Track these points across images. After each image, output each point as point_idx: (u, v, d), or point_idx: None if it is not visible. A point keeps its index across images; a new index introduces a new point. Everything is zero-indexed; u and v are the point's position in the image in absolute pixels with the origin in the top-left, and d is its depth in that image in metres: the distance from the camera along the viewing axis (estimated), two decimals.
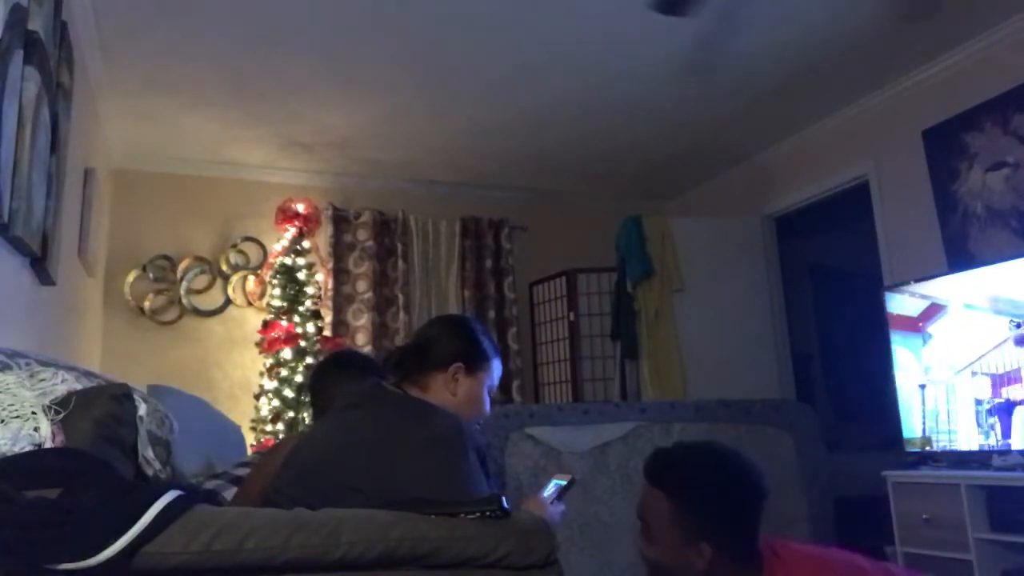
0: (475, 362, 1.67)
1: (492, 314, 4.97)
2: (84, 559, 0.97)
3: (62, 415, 1.30)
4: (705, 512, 1.43)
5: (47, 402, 1.30)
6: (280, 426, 3.89)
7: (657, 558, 1.46)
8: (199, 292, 4.49)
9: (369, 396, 1.60)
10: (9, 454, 1.18)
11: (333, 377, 2.17)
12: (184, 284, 4.43)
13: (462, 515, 1.23)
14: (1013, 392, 2.79)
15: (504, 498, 1.25)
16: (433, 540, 1.20)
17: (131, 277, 4.36)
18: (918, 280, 3.22)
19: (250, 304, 4.55)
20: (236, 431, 3.02)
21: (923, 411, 3.10)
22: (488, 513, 1.23)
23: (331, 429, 1.56)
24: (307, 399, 4.03)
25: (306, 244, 4.44)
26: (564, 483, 1.69)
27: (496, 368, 1.72)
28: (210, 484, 2.08)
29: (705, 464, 1.49)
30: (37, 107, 2.07)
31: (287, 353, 4.03)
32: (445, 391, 1.62)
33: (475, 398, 1.66)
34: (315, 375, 2.29)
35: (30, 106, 1.99)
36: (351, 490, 1.34)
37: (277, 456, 1.92)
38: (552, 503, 1.64)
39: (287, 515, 1.18)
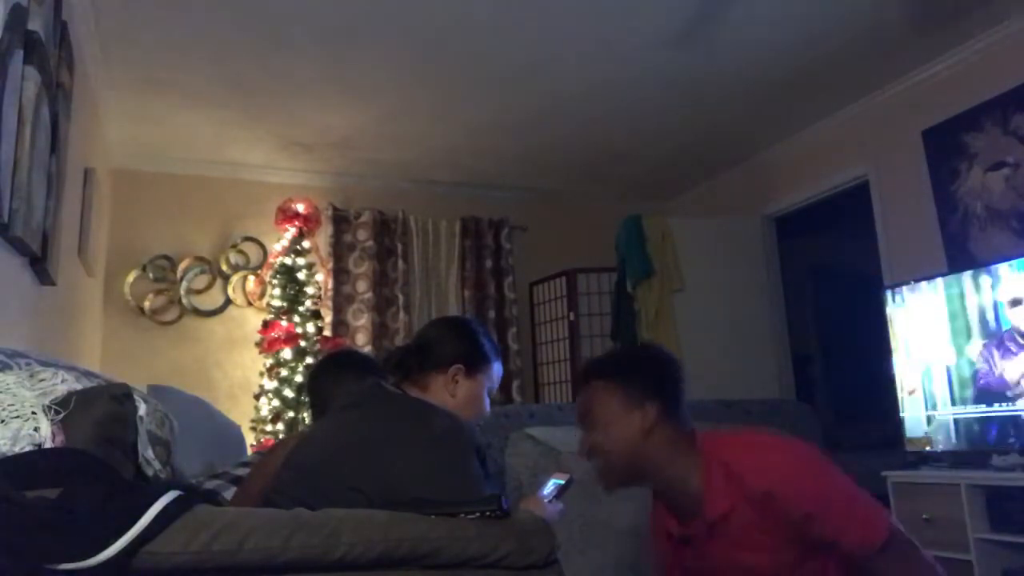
0: (475, 364, 1.67)
1: (492, 314, 4.97)
2: (84, 559, 0.97)
3: (62, 415, 1.29)
4: (648, 375, 1.58)
5: (47, 402, 1.30)
6: (280, 426, 3.90)
7: (603, 442, 1.54)
8: (199, 292, 4.49)
9: (369, 396, 1.60)
10: (9, 454, 1.18)
11: (332, 377, 2.17)
12: (184, 284, 4.43)
13: (462, 515, 1.23)
14: None
15: (504, 498, 1.25)
16: (433, 540, 1.20)
17: (131, 277, 4.36)
18: (918, 280, 3.23)
19: (250, 304, 4.55)
20: (236, 431, 3.02)
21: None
22: (488, 513, 1.23)
23: (331, 429, 1.56)
24: (307, 399, 4.03)
25: (306, 244, 4.45)
26: (563, 482, 1.69)
27: (496, 370, 1.73)
28: (210, 484, 2.09)
29: (636, 348, 1.70)
30: (37, 107, 2.07)
31: (287, 353, 4.03)
32: (445, 392, 1.63)
33: (475, 400, 1.66)
34: (314, 375, 2.29)
35: (30, 106, 1.99)
36: (351, 490, 1.34)
37: (277, 456, 1.92)
38: (551, 502, 1.64)
39: (287, 515, 1.18)
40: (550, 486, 1.68)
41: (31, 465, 1.13)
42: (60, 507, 1.01)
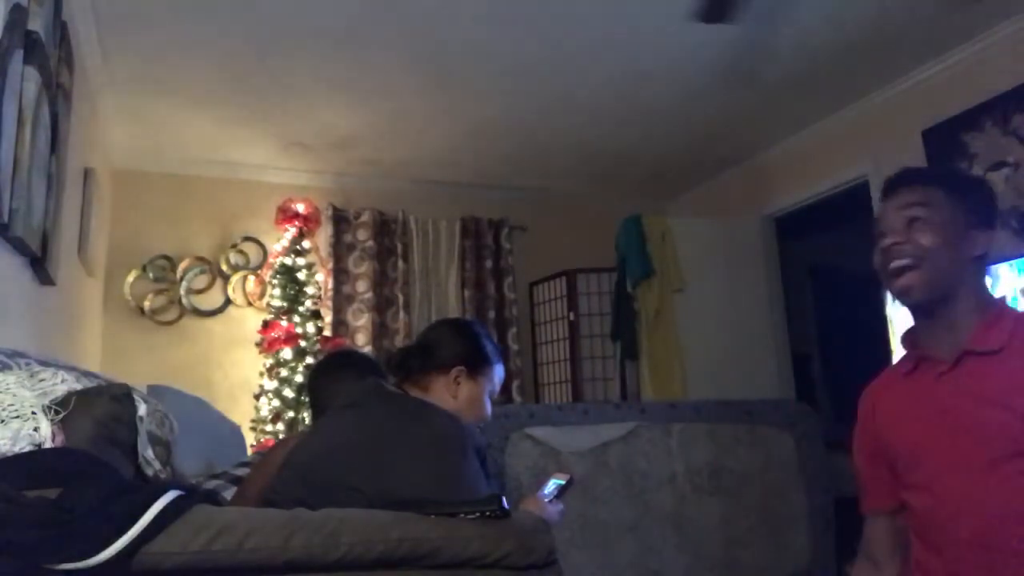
0: (477, 366, 1.67)
1: (492, 314, 4.97)
2: (84, 559, 0.97)
3: (62, 415, 1.30)
4: (983, 204, 1.52)
5: (47, 402, 1.30)
6: (280, 426, 3.90)
7: (931, 246, 1.42)
8: (199, 292, 4.49)
9: (369, 396, 1.60)
10: (9, 454, 1.18)
11: (332, 376, 2.17)
12: (184, 284, 4.43)
13: (462, 515, 1.23)
14: None
15: (504, 498, 1.25)
16: (433, 540, 1.20)
17: (131, 277, 4.36)
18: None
19: (250, 304, 4.55)
20: (236, 431, 3.02)
21: None
22: (488, 513, 1.23)
23: (330, 429, 1.57)
24: (307, 399, 4.04)
25: (306, 244, 4.45)
26: (563, 483, 1.69)
27: (498, 373, 1.73)
28: (210, 484, 2.09)
29: (971, 176, 1.54)
30: (37, 107, 2.07)
31: (287, 353, 4.03)
32: (446, 393, 1.63)
33: (476, 401, 1.67)
34: (314, 375, 2.29)
35: (30, 106, 1.99)
36: (351, 490, 1.34)
37: (276, 456, 1.92)
38: (551, 502, 1.64)
39: (287, 515, 1.18)
40: (550, 486, 1.69)
41: (31, 465, 1.13)
42: (60, 507, 1.01)
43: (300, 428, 3.84)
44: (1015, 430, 1.24)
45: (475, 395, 1.66)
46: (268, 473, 1.84)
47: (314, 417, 2.29)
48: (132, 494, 1.08)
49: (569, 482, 1.71)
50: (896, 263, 1.41)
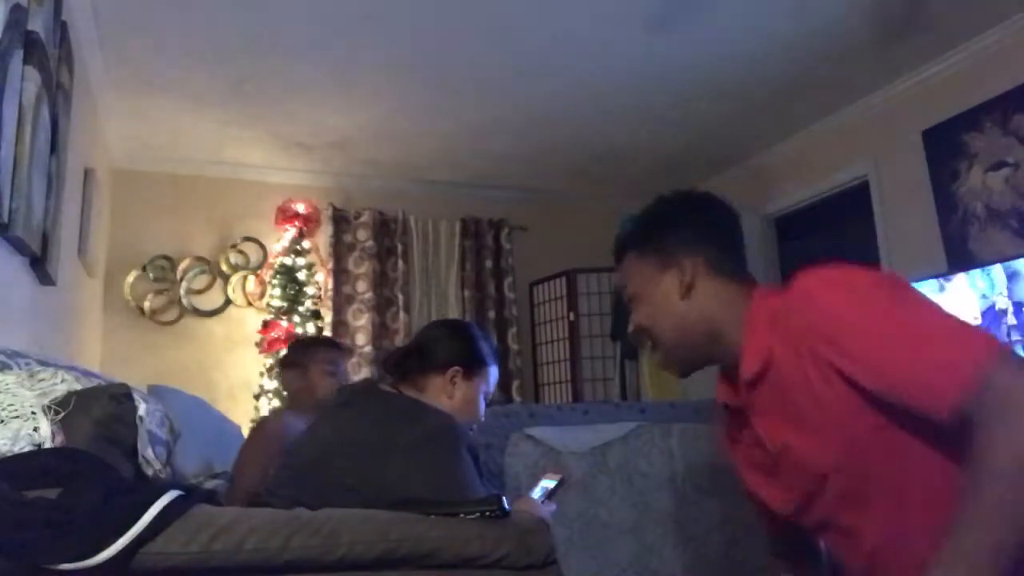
0: (473, 367, 1.68)
1: (492, 314, 4.97)
2: (83, 559, 0.97)
3: (62, 415, 1.30)
4: (685, 227, 1.28)
5: (47, 402, 1.30)
6: None
7: (645, 317, 1.27)
8: (199, 292, 4.49)
9: (362, 395, 1.61)
10: (9, 454, 1.18)
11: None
12: (184, 284, 4.43)
13: (462, 515, 1.23)
14: None
15: (505, 498, 1.26)
16: (433, 540, 1.20)
17: (131, 277, 4.36)
18: (917, 280, 3.23)
19: (250, 304, 4.55)
20: (236, 431, 3.02)
21: None
22: (488, 513, 1.23)
23: (325, 428, 1.57)
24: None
25: (306, 244, 4.45)
26: (554, 483, 1.70)
27: (493, 374, 1.74)
28: (210, 484, 2.09)
29: (671, 196, 1.34)
30: (37, 107, 2.07)
31: None
32: (442, 394, 1.63)
33: (471, 402, 1.68)
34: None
35: (30, 106, 1.99)
36: (346, 489, 1.35)
37: (257, 445, 1.96)
38: (543, 503, 1.65)
39: (287, 515, 1.18)
40: (538, 491, 1.69)
41: (31, 465, 1.13)
42: (60, 507, 1.01)
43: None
44: (819, 456, 1.08)
45: (470, 395, 1.67)
46: (256, 453, 1.88)
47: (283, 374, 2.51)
48: (132, 494, 1.08)
49: (561, 481, 1.71)
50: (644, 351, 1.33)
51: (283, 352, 2.60)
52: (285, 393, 2.56)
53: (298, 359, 2.51)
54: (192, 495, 1.13)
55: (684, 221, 1.30)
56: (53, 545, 0.97)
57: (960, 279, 3.08)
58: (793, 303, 1.10)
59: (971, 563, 0.87)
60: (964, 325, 0.98)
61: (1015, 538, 0.87)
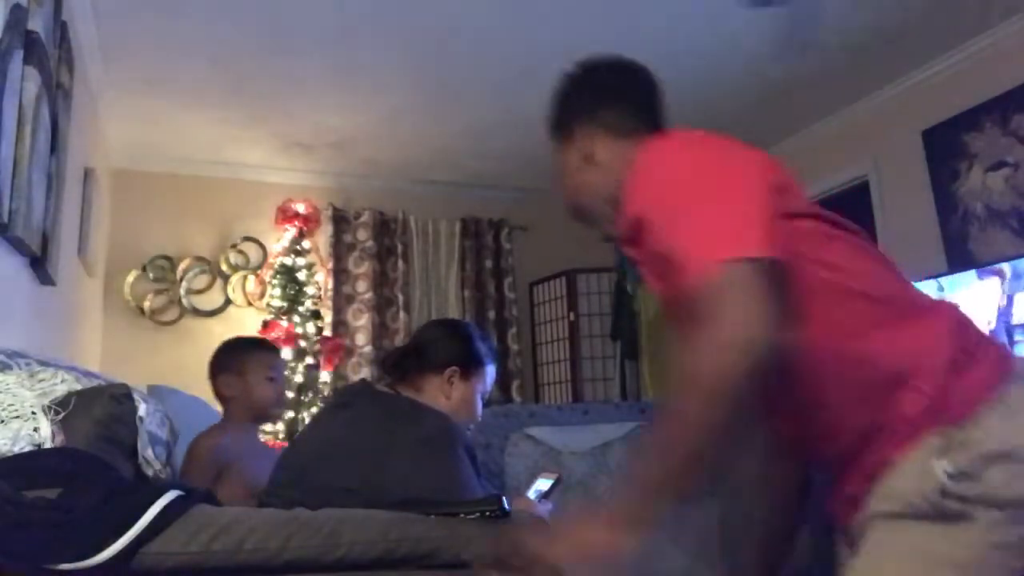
0: (471, 367, 1.68)
1: (492, 314, 4.97)
2: (83, 559, 0.97)
3: (62, 415, 1.30)
4: (584, 93, 1.27)
5: (47, 402, 1.30)
6: (280, 425, 3.90)
7: (566, 196, 1.28)
8: (199, 292, 4.49)
9: (358, 396, 1.61)
10: (9, 454, 1.18)
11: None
12: (184, 284, 4.43)
13: (462, 515, 1.23)
14: None
15: (505, 498, 1.26)
16: (433, 540, 1.20)
17: (131, 277, 4.36)
18: (917, 280, 3.23)
19: (250, 304, 4.54)
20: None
21: None
22: (488, 513, 1.23)
23: (321, 429, 1.57)
24: (306, 399, 4.04)
25: (306, 244, 4.45)
26: (550, 482, 1.71)
27: (490, 374, 1.74)
28: None
29: (567, 72, 1.33)
30: (37, 107, 2.07)
31: (287, 353, 4.03)
32: (439, 394, 1.63)
33: (468, 402, 1.68)
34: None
35: (30, 106, 1.99)
36: (343, 490, 1.34)
37: (192, 467, 1.99)
38: (540, 502, 1.65)
39: (287, 515, 1.18)
40: (533, 492, 1.70)
41: (31, 465, 1.13)
42: (60, 507, 1.01)
43: (300, 428, 3.83)
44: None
45: (468, 396, 1.67)
46: (192, 474, 1.89)
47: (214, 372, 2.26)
48: (132, 494, 1.08)
49: (557, 481, 1.72)
50: None
51: (213, 355, 2.27)
52: (218, 402, 2.33)
53: (232, 363, 2.23)
54: (192, 495, 1.13)
55: (575, 93, 1.30)
56: (53, 545, 0.97)
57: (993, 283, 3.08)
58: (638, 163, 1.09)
59: (665, 469, 0.90)
60: (757, 216, 0.95)
61: (712, 446, 0.87)
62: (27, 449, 1.21)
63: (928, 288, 3.17)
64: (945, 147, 3.51)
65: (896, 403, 0.97)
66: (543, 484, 1.71)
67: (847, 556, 1.04)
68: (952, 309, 1.07)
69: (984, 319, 2.93)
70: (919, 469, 0.94)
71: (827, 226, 1.11)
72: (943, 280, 3.14)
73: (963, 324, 1.04)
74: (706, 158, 1.06)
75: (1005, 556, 0.91)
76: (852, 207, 4.20)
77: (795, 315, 0.95)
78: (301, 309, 4.19)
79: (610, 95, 1.26)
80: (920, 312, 1.05)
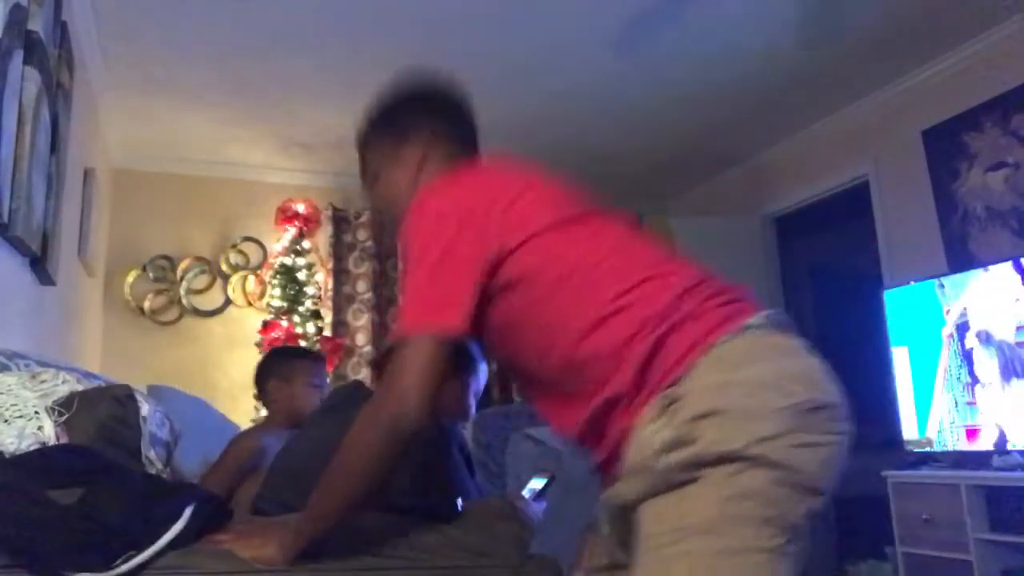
0: (463, 365, 1.68)
1: None
2: (101, 571, 0.97)
3: (66, 416, 1.29)
4: (412, 102, 1.35)
5: (49, 403, 1.30)
6: None
7: (381, 196, 1.34)
8: (199, 292, 4.49)
9: (349, 398, 1.61)
10: (17, 452, 1.18)
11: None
12: (184, 284, 4.43)
13: (416, 515, 1.24)
14: None
15: (460, 500, 1.27)
16: (426, 543, 1.21)
17: (131, 277, 4.36)
18: (918, 281, 3.23)
19: (250, 304, 4.54)
20: (236, 431, 3.01)
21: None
22: (438, 513, 1.25)
23: (315, 433, 1.57)
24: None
25: (306, 244, 4.44)
26: (544, 481, 1.71)
27: (483, 373, 1.74)
28: None
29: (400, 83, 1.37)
30: (37, 107, 2.06)
31: None
32: None
33: (459, 401, 1.68)
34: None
35: (30, 106, 1.99)
36: None
37: (228, 462, 1.98)
38: (535, 500, 1.66)
39: (278, 522, 1.18)
40: (527, 491, 1.70)
41: (47, 463, 1.12)
42: (83, 513, 1.01)
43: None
44: None
45: (459, 393, 1.67)
46: (229, 469, 1.88)
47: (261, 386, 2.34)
48: (156, 505, 1.08)
49: (550, 480, 1.73)
50: None
51: (262, 361, 2.37)
52: (264, 406, 2.39)
53: (281, 370, 2.33)
54: (208, 503, 1.13)
55: (386, 115, 1.39)
56: (76, 552, 0.97)
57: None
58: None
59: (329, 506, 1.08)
60: (458, 295, 1.02)
61: (365, 488, 1.06)
62: (34, 447, 1.20)
63: (928, 288, 3.17)
64: (945, 147, 3.51)
65: (619, 375, 0.98)
66: (537, 483, 1.72)
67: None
68: (685, 272, 1.05)
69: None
70: (644, 441, 0.93)
71: (560, 234, 1.16)
72: (943, 280, 3.14)
73: (695, 286, 1.02)
74: (439, 222, 1.08)
75: (746, 506, 0.88)
76: (852, 207, 4.21)
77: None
78: (301, 309, 4.19)
79: (404, 130, 1.36)
80: (643, 294, 1.02)
